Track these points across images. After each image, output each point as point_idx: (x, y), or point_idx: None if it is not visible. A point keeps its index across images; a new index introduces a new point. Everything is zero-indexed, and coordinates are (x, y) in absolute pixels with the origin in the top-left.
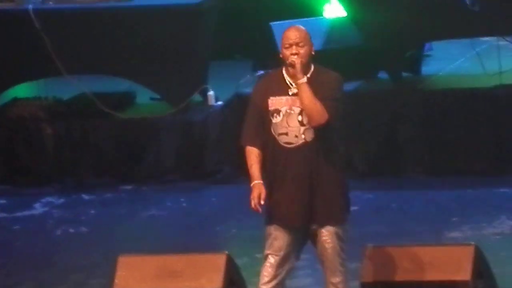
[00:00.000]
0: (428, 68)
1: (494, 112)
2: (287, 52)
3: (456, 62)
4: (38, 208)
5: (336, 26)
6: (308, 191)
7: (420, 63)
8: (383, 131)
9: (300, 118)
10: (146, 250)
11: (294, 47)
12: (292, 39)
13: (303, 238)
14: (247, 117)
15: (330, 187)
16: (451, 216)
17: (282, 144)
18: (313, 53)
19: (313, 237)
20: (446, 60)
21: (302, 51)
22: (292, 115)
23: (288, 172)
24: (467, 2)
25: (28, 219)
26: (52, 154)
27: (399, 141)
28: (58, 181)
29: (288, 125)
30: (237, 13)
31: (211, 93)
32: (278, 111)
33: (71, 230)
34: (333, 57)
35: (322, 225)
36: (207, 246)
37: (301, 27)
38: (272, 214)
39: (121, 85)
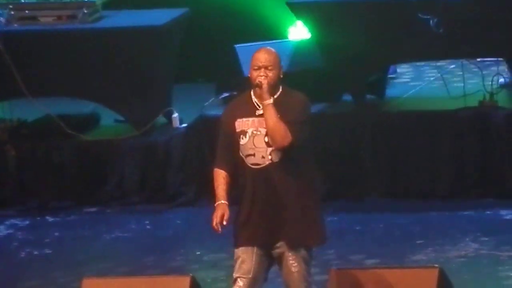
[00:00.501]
0: (392, 90)
1: (457, 134)
2: (255, 74)
3: (421, 84)
4: (2, 230)
5: (300, 49)
6: (275, 213)
7: (384, 86)
8: (345, 154)
9: (267, 139)
10: (110, 272)
11: (263, 70)
12: (262, 62)
13: (270, 260)
14: (218, 141)
15: (297, 210)
16: (415, 239)
17: (250, 165)
18: (281, 76)
19: (279, 260)
20: (410, 83)
21: (270, 74)
22: (258, 136)
23: (256, 193)
24: (431, 25)
25: None
26: (16, 175)
27: (362, 164)
28: (21, 203)
29: (255, 146)
30: (201, 35)
31: (175, 115)
32: (244, 133)
33: (35, 252)
34: (297, 79)
35: (289, 248)
36: (171, 269)
37: (272, 49)
38: (239, 236)
39: (86, 107)
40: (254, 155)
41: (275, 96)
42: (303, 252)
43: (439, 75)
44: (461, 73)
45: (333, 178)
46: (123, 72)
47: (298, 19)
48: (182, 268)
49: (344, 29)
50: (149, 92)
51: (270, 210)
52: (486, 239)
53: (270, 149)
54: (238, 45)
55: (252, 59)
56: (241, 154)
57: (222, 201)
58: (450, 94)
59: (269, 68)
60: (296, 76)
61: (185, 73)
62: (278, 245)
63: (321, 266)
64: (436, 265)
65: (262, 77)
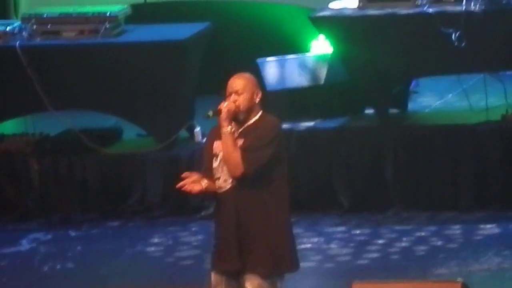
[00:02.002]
0: (415, 104)
1: (479, 148)
2: (226, 100)
3: (443, 98)
4: (24, 244)
5: (323, 63)
6: (237, 239)
7: (407, 100)
8: (368, 167)
9: None
10: (133, 286)
11: (233, 95)
12: (232, 87)
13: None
14: (202, 161)
15: (256, 236)
16: (438, 252)
17: (217, 188)
18: (257, 100)
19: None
20: (433, 97)
21: (240, 98)
22: None
23: (222, 217)
24: (454, 39)
25: (15, 255)
26: (39, 190)
27: (384, 177)
28: (44, 217)
29: (222, 170)
30: (223, 50)
31: (197, 129)
32: (216, 155)
33: (58, 266)
34: (319, 94)
35: (248, 275)
36: (194, 282)
37: (246, 75)
38: (212, 260)
39: (108, 121)
40: (219, 178)
41: (250, 122)
42: (261, 281)
43: (461, 89)
44: (484, 86)
45: (356, 191)
46: (145, 86)
47: (321, 33)
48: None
49: (367, 43)
50: (171, 106)
51: (232, 236)
52: (509, 252)
53: None
54: (260, 60)
55: (227, 87)
56: (214, 176)
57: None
58: (472, 108)
59: (239, 92)
60: (318, 90)
61: (208, 87)
62: (242, 272)
63: (343, 279)
64: (459, 279)
65: (224, 104)
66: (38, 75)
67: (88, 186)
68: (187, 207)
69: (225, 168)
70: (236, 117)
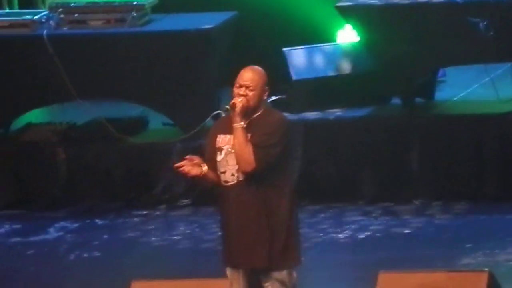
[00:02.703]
0: (442, 94)
1: (506, 138)
2: (235, 91)
3: (470, 88)
4: (51, 233)
5: (349, 52)
6: (246, 232)
7: (434, 89)
8: (394, 157)
9: None
10: (159, 275)
11: (243, 88)
12: (244, 80)
13: (257, 283)
14: (205, 153)
15: (266, 230)
16: (464, 242)
17: (223, 182)
18: (265, 96)
19: (259, 283)
20: (460, 86)
21: (250, 94)
22: (232, 154)
23: (228, 212)
24: (481, 28)
25: (42, 244)
26: (65, 179)
27: (410, 167)
28: (71, 205)
29: (228, 164)
30: (250, 39)
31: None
32: (221, 149)
33: (84, 255)
34: (346, 83)
35: (262, 269)
36: (219, 271)
37: (259, 70)
38: (223, 256)
39: (134, 110)
40: (225, 172)
41: (254, 116)
42: (277, 273)
43: (488, 78)
44: (511, 76)
45: (381, 181)
46: (172, 75)
47: (347, 22)
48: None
49: (394, 32)
50: (197, 95)
51: (241, 230)
52: None
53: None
54: (286, 49)
55: (238, 76)
56: (217, 170)
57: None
58: (499, 98)
59: (250, 88)
60: (344, 79)
61: (234, 76)
62: (254, 267)
63: (369, 269)
64: (486, 269)
65: (239, 99)
66: (65, 64)
67: (114, 175)
68: (212, 196)
69: (231, 162)
70: (245, 112)
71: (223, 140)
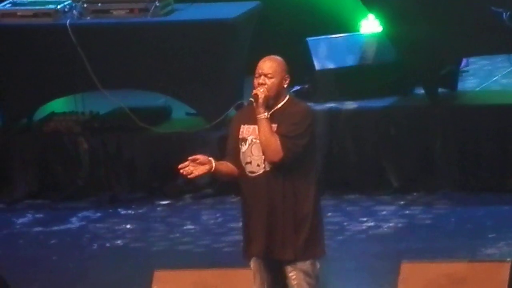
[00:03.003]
0: (465, 84)
1: None
2: (255, 81)
3: (493, 78)
4: (74, 222)
5: (372, 42)
6: (271, 223)
7: (457, 79)
8: (418, 147)
9: None
10: (181, 264)
11: (262, 77)
12: (262, 69)
13: (280, 273)
14: (226, 144)
15: (290, 220)
16: (487, 232)
17: (247, 173)
18: (285, 85)
19: (283, 273)
20: (483, 77)
21: (269, 82)
22: (257, 144)
23: (253, 202)
24: (504, 18)
25: (65, 234)
26: (88, 168)
27: (434, 157)
28: (94, 195)
29: (252, 154)
30: (273, 28)
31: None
32: (245, 140)
33: (107, 244)
34: (369, 73)
35: (287, 260)
36: (243, 261)
37: (277, 58)
38: (245, 247)
39: (157, 100)
40: (251, 163)
41: (279, 106)
42: (301, 264)
43: (511, 68)
44: None
45: (404, 171)
46: (195, 65)
47: (370, 12)
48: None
49: (417, 22)
50: (220, 85)
51: (266, 221)
52: None
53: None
54: (309, 38)
55: (256, 67)
56: (241, 161)
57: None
58: None
59: (269, 75)
60: (367, 69)
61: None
62: (279, 257)
63: (392, 260)
64: (509, 259)
65: (261, 89)
66: (88, 53)
67: (137, 165)
68: (235, 185)
69: (255, 152)
70: (267, 102)
71: (247, 131)
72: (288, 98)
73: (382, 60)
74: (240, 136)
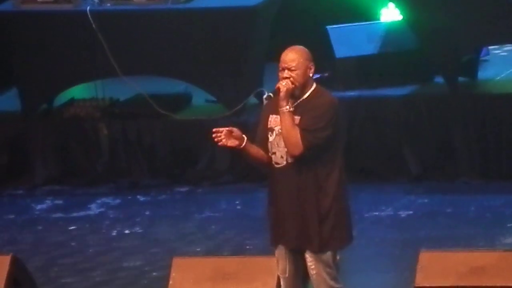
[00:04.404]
0: (485, 73)
1: None
2: (279, 75)
3: None
4: (93, 209)
5: (392, 30)
6: (294, 214)
7: (477, 68)
8: (438, 136)
9: None
10: (201, 252)
11: (286, 71)
12: (286, 62)
13: (302, 260)
14: (257, 131)
15: (314, 212)
16: (506, 221)
17: (273, 163)
18: (311, 73)
19: (303, 260)
20: (503, 65)
21: (293, 74)
22: (281, 135)
23: (277, 192)
24: None
25: (84, 220)
26: (108, 155)
27: (454, 146)
28: (113, 181)
29: (278, 145)
30: (293, 16)
31: (266, 95)
32: (272, 130)
33: (126, 231)
34: (389, 61)
35: (308, 249)
36: (262, 249)
37: (299, 49)
38: (270, 234)
39: (177, 86)
40: (275, 153)
41: (305, 96)
42: (321, 254)
43: None
44: None
45: (424, 160)
46: (215, 52)
47: (390, 1)
48: (271, 249)
49: (437, 10)
50: (241, 73)
51: (289, 211)
52: None
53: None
54: (330, 27)
55: (280, 60)
56: (269, 149)
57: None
58: None
59: (292, 68)
60: (388, 57)
61: (277, 53)
62: (301, 247)
63: (411, 247)
64: None
65: (284, 82)
66: (108, 40)
67: (157, 151)
68: (255, 173)
69: (281, 143)
70: (292, 94)
71: (275, 121)
72: (314, 88)
73: (402, 49)
74: (269, 126)
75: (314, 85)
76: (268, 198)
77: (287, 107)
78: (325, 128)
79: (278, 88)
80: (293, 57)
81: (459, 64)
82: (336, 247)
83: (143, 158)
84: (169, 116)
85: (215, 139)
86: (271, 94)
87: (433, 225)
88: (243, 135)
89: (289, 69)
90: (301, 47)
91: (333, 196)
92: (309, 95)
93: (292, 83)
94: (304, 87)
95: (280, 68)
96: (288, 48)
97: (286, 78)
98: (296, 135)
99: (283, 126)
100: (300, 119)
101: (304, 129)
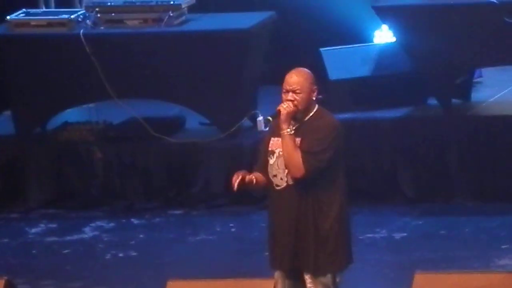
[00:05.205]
0: (478, 94)
1: None
2: (283, 97)
3: (507, 88)
4: (88, 232)
5: (385, 52)
6: (294, 236)
7: (470, 90)
8: (432, 157)
9: None
10: (195, 275)
11: (290, 93)
12: (290, 85)
13: (301, 281)
14: (257, 153)
15: (313, 234)
16: (501, 243)
17: (274, 186)
18: (314, 97)
19: (302, 283)
20: (496, 87)
21: (298, 97)
22: (281, 157)
23: (278, 214)
24: None
25: (78, 243)
26: (102, 178)
27: (448, 167)
28: (107, 205)
29: (278, 167)
30: (287, 39)
31: (260, 118)
32: (273, 153)
33: (121, 255)
34: (382, 83)
35: (307, 271)
36: (256, 272)
37: (304, 72)
38: (270, 257)
39: (171, 109)
40: (276, 175)
41: (306, 119)
42: (321, 277)
43: None
44: None
45: (419, 182)
46: (209, 75)
47: (384, 23)
48: (267, 271)
49: (430, 32)
50: (234, 95)
51: (288, 233)
52: None
53: (287, 171)
54: (323, 49)
55: (283, 82)
56: (269, 173)
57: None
58: None
59: (297, 91)
60: (381, 80)
61: (271, 76)
62: (301, 269)
63: (405, 269)
64: None
65: (285, 105)
66: (101, 63)
67: (151, 174)
68: (250, 195)
69: (281, 165)
70: (294, 116)
71: (276, 143)
72: (317, 110)
73: (395, 71)
74: (270, 149)
75: (317, 107)
76: (268, 220)
77: (288, 130)
78: (327, 150)
79: (279, 111)
80: (298, 80)
81: (452, 85)
82: (336, 270)
83: (137, 181)
84: (163, 139)
85: (237, 187)
86: (269, 117)
87: (428, 247)
88: (250, 175)
89: (293, 92)
90: (306, 70)
91: (333, 218)
92: (311, 117)
93: (295, 106)
94: (307, 110)
95: (284, 90)
96: (293, 70)
97: (290, 100)
98: (297, 157)
99: (284, 149)
100: (302, 141)
101: (305, 151)
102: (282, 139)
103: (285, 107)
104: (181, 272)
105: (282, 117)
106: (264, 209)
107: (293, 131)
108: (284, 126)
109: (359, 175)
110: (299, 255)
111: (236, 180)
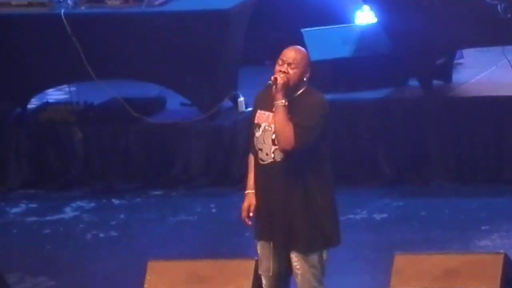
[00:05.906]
0: (459, 76)
1: None
2: (277, 68)
3: (487, 70)
4: (68, 212)
5: (366, 33)
6: (280, 212)
7: (451, 71)
8: (412, 139)
9: (273, 136)
10: (175, 255)
11: (285, 65)
12: (287, 57)
13: (287, 261)
14: (249, 127)
15: (300, 211)
16: (481, 224)
17: (259, 159)
18: (305, 79)
19: (288, 259)
20: (477, 68)
21: (291, 72)
22: (268, 132)
23: (263, 188)
24: (499, 10)
25: (58, 223)
26: (82, 158)
27: (428, 149)
28: (88, 185)
29: (264, 142)
30: (268, 19)
31: (241, 99)
32: (259, 126)
33: (101, 235)
34: (363, 64)
35: (294, 249)
36: (236, 252)
37: (302, 50)
38: (255, 228)
39: (152, 90)
40: (261, 150)
41: (295, 95)
42: (306, 254)
43: (506, 60)
44: None
45: (399, 163)
46: (189, 55)
47: (365, 4)
48: (247, 251)
49: (411, 13)
50: (215, 76)
51: (273, 209)
52: None
53: (274, 147)
54: (304, 30)
55: (280, 54)
56: (255, 146)
57: (250, 191)
58: None
59: (292, 66)
60: (362, 61)
61: (252, 56)
62: (287, 247)
63: (385, 251)
64: (502, 251)
65: (280, 74)
66: (82, 43)
67: (132, 155)
68: (229, 176)
69: (267, 140)
70: (285, 90)
71: (262, 117)
72: (306, 88)
73: (376, 52)
74: (256, 121)
75: (305, 87)
76: (255, 193)
77: (283, 100)
78: (317, 126)
79: (276, 79)
80: (295, 55)
81: (433, 67)
82: (323, 248)
83: (117, 162)
84: (143, 119)
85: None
86: (270, 82)
87: (407, 228)
88: (251, 196)
89: (288, 65)
90: (304, 50)
91: (320, 196)
92: (300, 94)
93: (288, 79)
94: (296, 88)
95: (279, 61)
96: (293, 46)
97: (283, 72)
98: (289, 130)
99: (278, 119)
100: (292, 116)
101: (296, 124)
102: (275, 110)
103: (281, 77)
104: (161, 253)
105: (279, 86)
106: (243, 190)
107: (287, 102)
108: (278, 96)
109: (340, 157)
110: (286, 232)
111: (246, 216)
